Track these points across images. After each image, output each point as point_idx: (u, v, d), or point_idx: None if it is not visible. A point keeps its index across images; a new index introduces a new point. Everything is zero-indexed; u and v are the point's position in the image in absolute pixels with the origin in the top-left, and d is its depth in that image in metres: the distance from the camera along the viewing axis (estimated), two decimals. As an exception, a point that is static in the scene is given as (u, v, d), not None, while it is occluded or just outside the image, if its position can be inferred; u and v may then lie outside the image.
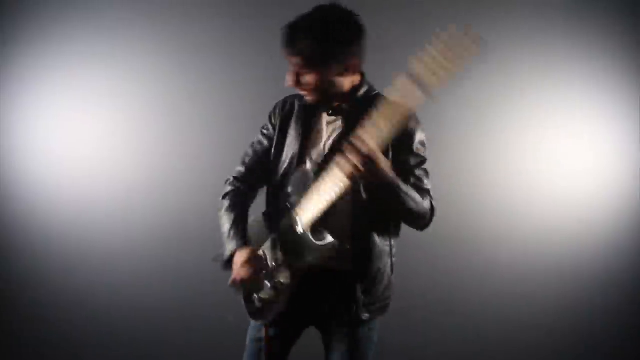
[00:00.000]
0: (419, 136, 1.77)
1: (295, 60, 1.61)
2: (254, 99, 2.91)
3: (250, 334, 1.90)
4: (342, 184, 1.54)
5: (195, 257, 2.90)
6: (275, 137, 1.81)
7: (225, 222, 1.82)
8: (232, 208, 1.84)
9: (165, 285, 2.97)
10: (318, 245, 1.66)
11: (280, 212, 1.75)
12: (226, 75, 2.99)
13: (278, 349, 1.84)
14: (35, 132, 3.01)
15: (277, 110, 1.84)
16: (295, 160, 1.75)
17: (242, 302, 1.85)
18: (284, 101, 1.85)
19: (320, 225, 1.68)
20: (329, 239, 1.67)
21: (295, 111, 1.79)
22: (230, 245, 1.77)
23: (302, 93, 1.69)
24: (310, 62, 1.60)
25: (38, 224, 3.00)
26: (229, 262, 1.77)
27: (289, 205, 1.72)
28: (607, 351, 3.07)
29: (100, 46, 2.98)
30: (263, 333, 1.82)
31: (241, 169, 1.89)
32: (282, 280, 1.74)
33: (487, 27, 3.00)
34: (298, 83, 1.66)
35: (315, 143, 1.77)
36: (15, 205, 3.00)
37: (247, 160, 1.88)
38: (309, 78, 1.63)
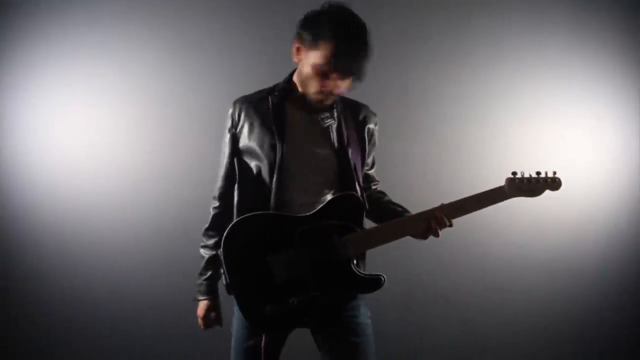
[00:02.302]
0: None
1: (347, 73, 1.68)
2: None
3: (237, 344, 1.81)
4: (409, 234, 1.76)
5: (196, 254, 2.91)
6: (246, 139, 1.79)
7: (200, 260, 1.90)
8: (208, 246, 1.89)
9: (166, 282, 2.97)
10: (363, 277, 1.71)
11: (313, 231, 1.71)
12: (225, 70, 2.99)
13: (273, 356, 1.81)
14: (33, 128, 2.99)
15: (239, 116, 1.81)
16: (277, 163, 1.73)
17: (242, 311, 1.73)
18: (245, 105, 1.82)
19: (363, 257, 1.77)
20: (376, 272, 1.73)
21: (271, 110, 1.78)
22: (196, 291, 1.90)
23: (327, 98, 1.73)
24: (357, 74, 1.70)
25: (37, 221, 2.98)
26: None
27: (322, 225, 1.70)
28: (606, 348, 3.07)
29: (98, 42, 2.97)
30: (251, 343, 1.75)
31: (220, 185, 1.88)
32: (295, 300, 1.69)
33: (488, 26, 3.01)
34: (331, 92, 1.71)
35: (305, 145, 1.77)
36: (14, 202, 2.98)
37: (219, 182, 1.88)
38: (342, 84, 1.70)
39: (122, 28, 2.98)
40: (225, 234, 1.71)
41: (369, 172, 1.96)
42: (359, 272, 1.72)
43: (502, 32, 3.07)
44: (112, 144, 2.99)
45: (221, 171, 1.87)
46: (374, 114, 1.91)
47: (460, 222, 2.87)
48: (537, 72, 3.07)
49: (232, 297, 1.75)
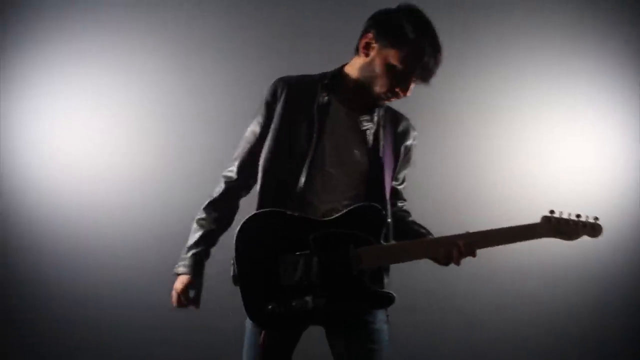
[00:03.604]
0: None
1: (423, 78, 1.67)
2: (256, 96, 2.93)
3: (250, 339, 1.77)
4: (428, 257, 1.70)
5: None
6: (281, 119, 1.71)
7: (193, 233, 1.79)
8: (207, 220, 1.78)
9: (168, 286, 2.96)
10: (373, 292, 1.67)
11: (325, 238, 1.66)
12: (227, 73, 3.00)
13: (278, 355, 1.75)
14: (36, 133, 3.00)
15: (281, 95, 1.73)
16: (310, 154, 1.68)
17: (244, 304, 1.70)
18: (288, 86, 1.74)
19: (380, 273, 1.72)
20: (386, 290, 1.69)
21: (317, 99, 1.71)
22: (180, 264, 1.77)
23: (396, 96, 1.69)
24: (428, 81, 1.68)
25: (39, 225, 2.97)
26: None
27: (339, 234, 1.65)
28: (607, 350, 3.07)
29: (101, 47, 2.98)
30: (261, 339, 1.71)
31: (234, 165, 1.79)
32: (301, 303, 1.65)
33: (488, 26, 3.01)
34: (402, 96, 1.69)
35: (342, 144, 1.72)
36: (16, 205, 2.98)
37: (241, 154, 1.79)
38: (412, 86, 1.68)
39: (126, 33, 3.00)
40: (241, 226, 1.66)
41: (398, 187, 1.89)
42: (369, 286, 1.67)
43: (501, 33, 3.07)
44: (114, 148, 3.02)
45: (246, 144, 1.77)
46: (414, 129, 1.86)
47: (463, 227, 2.89)
48: (537, 76, 3.08)
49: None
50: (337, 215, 1.67)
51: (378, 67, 1.65)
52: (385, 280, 1.74)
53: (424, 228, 1.82)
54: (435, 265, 2.97)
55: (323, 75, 1.76)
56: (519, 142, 3.06)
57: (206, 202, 1.80)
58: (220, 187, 1.80)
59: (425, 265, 2.94)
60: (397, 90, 1.65)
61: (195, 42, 3.01)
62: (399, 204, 1.89)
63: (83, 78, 3.00)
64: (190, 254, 1.77)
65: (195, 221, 1.79)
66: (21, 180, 3.00)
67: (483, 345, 3.06)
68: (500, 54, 3.09)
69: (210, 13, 3.03)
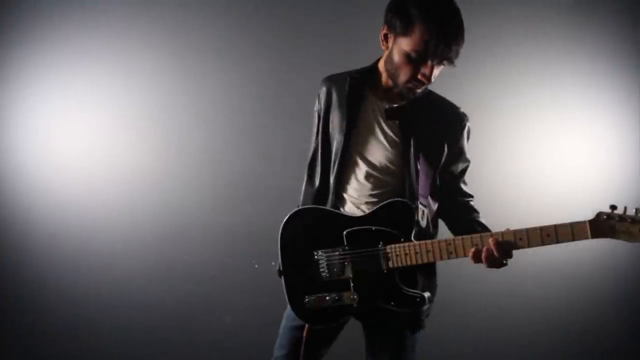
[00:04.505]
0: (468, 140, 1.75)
1: (442, 60, 1.53)
2: (254, 97, 2.90)
3: (288, 321, 1.75)
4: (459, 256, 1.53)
5: (194, 255, 2.81)
6: (322, 118, 1.72)
7: None
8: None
9: (165, 283, 2.94)
10: (402, 292, 1.59)
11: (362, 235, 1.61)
12: (226, 75, 2.97)
13: (318, 346, 1.73)
14: (33, 132, 2.94)
15: (322, 97, 1.74)
16: (341, 148, 1.66)
17: (287, 297, 1.67)
18: (327, 86, 1.73)
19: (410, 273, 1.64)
20: (421, 291, 1.62)
21: (347, 93, 1.66)
22: None
23: (418, 87, 1.59)
24: (452, 60, 1.53)
25: (36, 225, 2.92)
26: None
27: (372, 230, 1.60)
28: (607, 350, 3.06)
29: (98, 46, 2.93)
30: (298, 323, 1.69)
31: (309, 164, 1.79)
32: (334, 298, 1.62)
33: (488, 26, 3.00)
34: (425, 82, 1.57)
35: (375, 138, 1.67)
36: (13, 205, 2.92)
37: (311, 152, 1.78)
38: (436, 72, 1.55)
39: (123, 33, 2.94)
40: (284, 221, 1.68)
41: (455, 182, 1.74)
42: (400, 286, 1.59)
43: (500, 33, 3.06)
44: (111, 148, 2.96)
45: (311, 145, 1.77)
46: (465, 117, 1.70)
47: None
48: (537, 76, 3.05)
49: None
50: (369, 211, 1.64)
51: (397, 57, 1.56)
52: (421, 282, 1.65)
53: (483, 226, 1.67)
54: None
55: (359, 71, 1.72)
56: (518, 143, 3.05)
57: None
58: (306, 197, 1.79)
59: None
60: (419, 77, 1.54)
61: (194, 42, 2.97)
62: (461, 199, 1.75)
63: (79, 77, 2.94)
64: None
65: None
66: (17, 181, 2.91)
67: (479, 347, 3.04)
68: (497, 54, 3.07)
69: (209, 12, 3.00)
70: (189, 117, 2.97)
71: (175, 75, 2.97)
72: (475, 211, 1.73)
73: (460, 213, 1.72)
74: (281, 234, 1.67)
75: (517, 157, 3.03)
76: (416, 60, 1.52)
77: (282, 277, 1.68)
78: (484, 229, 1.63)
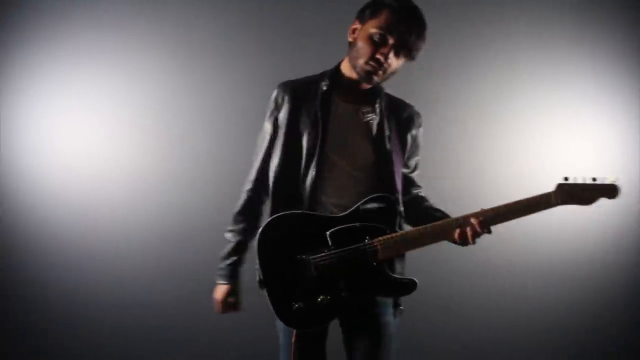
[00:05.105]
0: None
1: (400, 45, 1.68)
2: (257, 97, 2.91)
3: (284, 339, 1.80)
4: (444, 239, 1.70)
5: (197, 255, 2.91)
6: (286, 125, 1.77)
7: (227, 247, 1.87)
8: (235, 232, 1.85)
9: (170, 286, 2.97)
10: (394, 280, 1.71)
11: (349, 233, 1.71)
12: (228, 75, 2.99)
13: (312, 350, 1.79)
14: (36, 132, 2.99)
15: (283, 102, 1.79)
16: (317, 152, 1.73)
17: (273, 307, 1.74)
18: (290, 91, 1.79)
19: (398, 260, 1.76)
20: (408, 276, 1.73)
21: (319, 97, 1.76)
22: (217, 275, 1.87)
23: (376, 71, 1.71)
24: (409, 51, 1.70)
25: (38, 225, 2.98)
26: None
27: (357, 226, 1.70)
28: (606, 350, 3.07)
29: (101, 46, 2.98)
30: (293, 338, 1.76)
31: (253, 172, 1.86)
32: (325, 299, 1.70)
33: (487, 25, 3.01)
34: (382, 62, 1.69)
35: (348, 139, 1.76)
36: (15, 205, 2.99)
37: (258, 158, 1.84)
38: (394, 63, 1.70)
39: (126, 32, 3.00)
40: (260, 231, 1.72)
41: (410, 175, 1.92)
42: (391, 275, 1.72)
43: (502, 33, 3.07)
44: (114, 147, 3.00)
45: (260, 154, 1.83)
46: (419, 115, 1.89)
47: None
48: (537, 75, 3.08)
49: None
50: (350, 209, 1.71)
51: (361, 43, 1.70)
52: (399, 268, 1.78)
53: (441, 211, 1.84)
54: (429, 266, 3.00)
55: (322, 75, 1.81)
56: (518, 142, 3.06)
57: (233, 214, 1.87)
58: (241, 199, 1.87)
59: (418, 266, 2.97)
60: (377, 56, 1.68)
61: (195, 42, 3.01)
62: (414, 191, 1.92)
63: (82, 77, 2.98)
64: (225, 264, 1.86)
65: (226, 232, 1.88)
66: (20, 181, 2.98)
67: (477, 346, 3.06)
68: (499, 54, 3.09)
69: (210, 12, 3.02)
70: (192, 117, 3.00)
71: (179, 75, 3.00)
72: (427, 200, 1.91)
73: (418, 203, 1.89)
74: (258, 244, 1.72)
75: (517, 157, 3.06)
76: (377, 42, 1.67)
77: (265, 287, 1.71)
78: (443, 213, 1.80)
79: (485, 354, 3.06)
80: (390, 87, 1.90)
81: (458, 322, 3.06)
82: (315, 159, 1.72)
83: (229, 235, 1.87)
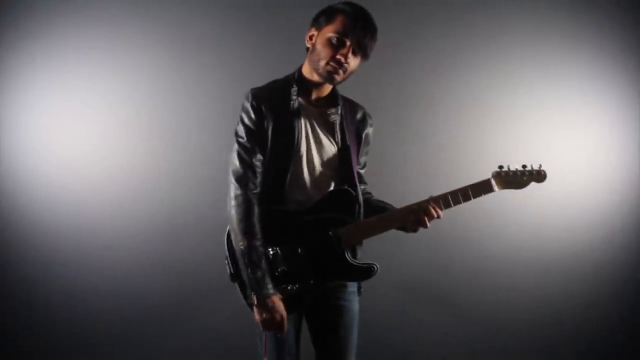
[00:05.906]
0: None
1: (357, 46, 1.79)
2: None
3: (273, 342, 1.83)
4: (402, 225, 1.85)
5: (193, 251, 2.95)
6: (263, 130, 1.82)
7: (253, 254, 1.76)
8: (258, 237, 1.77)
9: (164, 279, 2.98)
10: (357, 265, 1.83)
11: (311, 224, 1.81)
12: (222, 74, 2.99)
13: (287, 340, 1.83)
14: (31, 130, 3.00)
15: (260, 102, 1.83)
16: (293, 153, 1.82)
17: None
18: (258, 98, 1.83)
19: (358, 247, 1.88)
20: (369, 261, 1.84)
21: (292, 101, 1.85)
22: (261, 290, 1.75)
23: (337, 71, 1.80)
24: (365, 51, 1.81)
25: (34, 223, 3.00)
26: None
27: (320, 220, 1.81)
28: (604, 348, 3.07)
29: (96, 45, 3.00)
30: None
31: (240, 178, 1.82)
32: (294, 288, 1.80)
33: (486, 25, 3.00)
34: (343, 62, 1.79)
35: (319, 140, 1.87)
36: (11, 204, 3.00)
37: (240, 164, 1.83)
38: (353, 62, 1.81)
39: (121, 31, 3.01)
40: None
41: (360, 171, 2.04)
42: (353, 261, 1.84)
43: (497, 32, 3.07)
44: (110, 146, 3.01)
45: (236, 162, 1.81)
46: (370, 116, 2.02)
47: (457, 223, 2.88)
48: (535, 75, 3.08)
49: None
50: (315, 202, 1.83)
51: (319, 46, 1.81)
52: (359, 254, 1.89)
53: (388, 204, 1.97)
54: (426, 264, 3.01)
55: (287, 79, 1.90)
56: (514, 140, 3.06)
57: (239, 224, 1.79)
58: (239, 208, 1.80)
59: (415, 264, 2.98)
60: (338, 57, 1.78)
61: (191, 40, 3.01)
62: (361, 187, 2.00)
63: (78, 76, 3.00)
64: (263, 274, 1.75)
65: (243, 242, 1.77)
66: (17, 180, 2.99)
67: (474, 343, 3.07)
68: (494, 53, 3.09)
69: (206, 11, 3.01)
70: (187, 115, 3.01)
71: (175, 74, 3.01)
72: (372, 194, 2.05)
73: (367, 197, 2.01)
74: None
75: (515, 155, 3.05)
76: (336, 45, 1.78)
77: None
78: (388, 204, 1.96)
79: (484, 353, 3.06)
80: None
81: (452, 321, 3.06)
82: (292, 160, 1.82)
83: (258, 244, 1.77)
